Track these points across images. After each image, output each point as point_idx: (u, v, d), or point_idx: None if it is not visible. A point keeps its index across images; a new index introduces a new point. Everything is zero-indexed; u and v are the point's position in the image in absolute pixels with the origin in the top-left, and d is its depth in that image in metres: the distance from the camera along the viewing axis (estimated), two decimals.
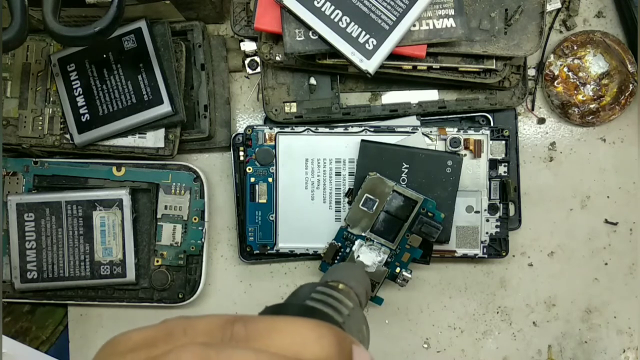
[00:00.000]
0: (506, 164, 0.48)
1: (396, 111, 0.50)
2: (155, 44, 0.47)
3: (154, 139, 0.48)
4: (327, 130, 0.49)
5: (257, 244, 0.49)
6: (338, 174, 0.49)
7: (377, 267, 0.45)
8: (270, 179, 0.49)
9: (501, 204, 0.49)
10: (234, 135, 0.50)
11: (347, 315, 0.24)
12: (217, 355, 0.15)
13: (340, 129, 0.49)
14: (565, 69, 0.51)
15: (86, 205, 0.48)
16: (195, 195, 0.49)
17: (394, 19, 0.42)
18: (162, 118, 0.47)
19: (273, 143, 0.49)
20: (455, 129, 0.48)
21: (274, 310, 0.22)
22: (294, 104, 0.50)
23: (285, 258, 0.51)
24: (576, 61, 0.51)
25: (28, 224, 0.48)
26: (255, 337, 0.16)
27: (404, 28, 0.42)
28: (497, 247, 0.49)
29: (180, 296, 0.50)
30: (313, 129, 0.49)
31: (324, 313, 0.23)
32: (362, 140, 0.47)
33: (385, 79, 0.49)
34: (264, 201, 0.49)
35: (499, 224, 0.49)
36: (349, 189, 0.48)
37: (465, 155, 0.48)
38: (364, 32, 0.42)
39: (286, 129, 0.49)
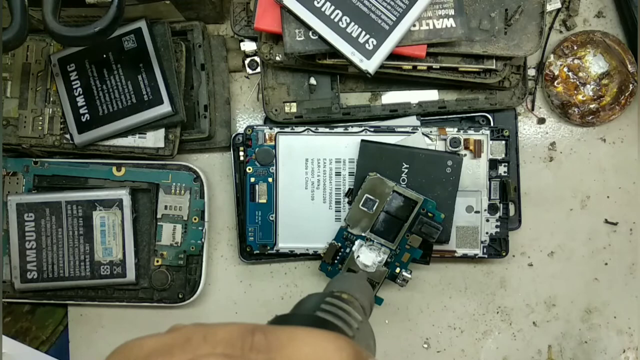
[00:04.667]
0: (506, 164, 0.48)
1: (396, 111, 0.50)
2: (155, 44, 0.47)
3: (154, 139, 0.48)
4: (327, 130, 0.49)
5: (257, 244, 0.49)
6: (338, 174, 0.49)
7: (377, 267, 0.45)
8: (270, 179, 0.49)
9: (501, 204, 0.49)
10: (234, 135, 0.50)
11: (356, 329, 0.24)
12: None
13: (340, 129, 0.49)
14: (565, 69, 0.51)
15: (86, 205, 0.48)
16: (195, 195, 0.49)
17: (394, 19, 0.42)
18: (162, 118, 0.47)
19: (273, 143, 0.49)
20: (455, 129, 0.48)
21: (284, 320, 0.21)
22: (294, 104, 0.50)
23: (285, 258, 0.51)
24: (576, 61, 0.51)
25: (28, 224, 0.48)
26: (276, 347, 0.16)
27: (404, 28, 0.42)
28: (497, 247, 0.49)
29: (180, 296, 0.50)
30: (313, 129, 0.49)
31: (335, 325, 0.23)
32: (362, 140, 0.47)
33: (385, 79, 0.49)
34: (264, 201, 0.49)
35: (499, 224, 0.49)
36: (349, 189, 0.48)
37: (465, 155, 0.48)
38: (364, 32, 0.42)
39: (286, 129, 0.49)
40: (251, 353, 0.16)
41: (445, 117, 0.50)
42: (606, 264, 0.52)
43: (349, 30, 0.42)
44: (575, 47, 0.51)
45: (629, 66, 0.50)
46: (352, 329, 0.24)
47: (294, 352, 0.16)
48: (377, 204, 0.46)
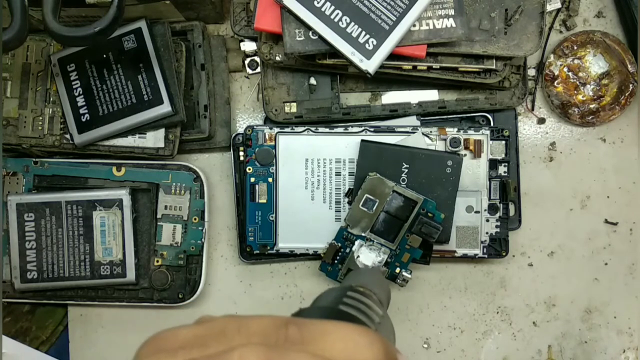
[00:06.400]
0: (506, 164, 0.48)
1: (396, 111, 0.50)
2: (155, 44, 0.47)
3: (154, 139, 0.48)
4: (327, 130, 0.49)
5: (257, 244, 0.49)
6: (338, 174, 0.49)
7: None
8: (270, 179, 0.49)
9: (501, 204, 0.49)
10: (234, 135, 0.50)
11: (378, 323, 0.24)
12: (280, 358, 0.15)
13: (340, 129, 0.49)
14: (565, 69, 0.51)
15: (86, 205, 0.48)
16: (195, 195, 0.49)
17: (394, 19, 0.42)
18: (162, 118, 0.47)
19: (273, 143, 0.49)
20: (455, 129, 0.48)
21: (309, 313, 0.21)
22: (294, 104, 0.50)
23: (285, 258, 0.51)
24: (576, 61, 0.51)
25: (28, 224, 0.48)
26: (309, 340, 0.16)
27: (404, 28, 0.42)
28: (497, 247, 0.49)
29: (180, 296, 0.50)
30: (313, 129, 0.49)
31: (358, 319, 0.23)
32: (362, 140, 0.47)
33: (385, 79, 0.49)
34: (264, 201, 0.49)
35: (499, 224, 0.49)
36: (349, 189, 0.48)
37: (465, 155, 0.48)
38: (364, 32, 0.42)
39: (286, 129, 0.49)
40: (286, 344, 0.16)
41: (445, 117, 0.50)
42: (606, 264, 0.52)
43: (349, 30, 0.42)
44: (575, 47, 0.51)
45: (629, 66, 0.50)
46: (374, 323, 0.24)
47: (327, 345, 0.16)
48: (377, 204, 0.46)
